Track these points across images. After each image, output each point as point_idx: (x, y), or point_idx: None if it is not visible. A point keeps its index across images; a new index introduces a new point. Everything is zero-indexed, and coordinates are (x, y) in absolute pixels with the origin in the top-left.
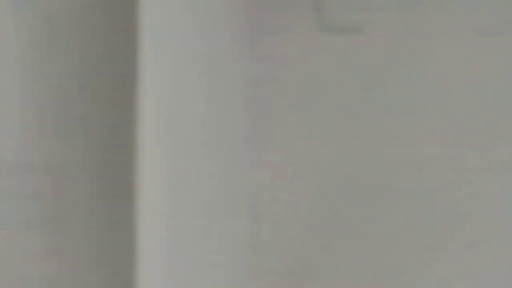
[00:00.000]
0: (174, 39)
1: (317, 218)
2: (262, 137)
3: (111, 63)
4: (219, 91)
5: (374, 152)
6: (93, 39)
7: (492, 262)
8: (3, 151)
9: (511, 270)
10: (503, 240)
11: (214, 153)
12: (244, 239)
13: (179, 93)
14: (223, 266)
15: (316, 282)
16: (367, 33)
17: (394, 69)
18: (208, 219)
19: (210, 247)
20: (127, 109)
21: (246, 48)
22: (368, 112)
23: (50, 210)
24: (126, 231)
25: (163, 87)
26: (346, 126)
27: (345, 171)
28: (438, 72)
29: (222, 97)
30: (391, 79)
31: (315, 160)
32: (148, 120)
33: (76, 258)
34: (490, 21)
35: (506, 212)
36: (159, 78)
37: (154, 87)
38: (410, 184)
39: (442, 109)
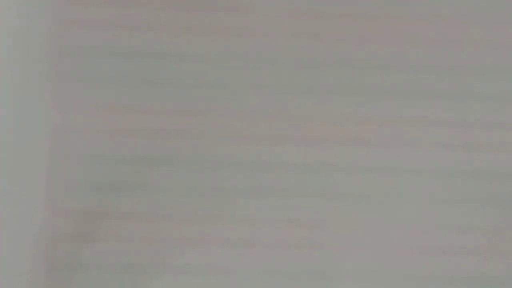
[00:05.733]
0: None
1: (118, 160)
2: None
3: None
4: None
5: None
6: None
7: None
8: None
9: None
10: None
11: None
12: (42, 177)
13: None
14: (18, 203)
15: (114, 221)
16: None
17: None
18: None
19: (5, 182)
20: None
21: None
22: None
23: None
24: None
25: None
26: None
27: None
28: None
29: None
30: None
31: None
32: None
33: None
34: None
35: None
36: None
37: None
38: None
39: None
